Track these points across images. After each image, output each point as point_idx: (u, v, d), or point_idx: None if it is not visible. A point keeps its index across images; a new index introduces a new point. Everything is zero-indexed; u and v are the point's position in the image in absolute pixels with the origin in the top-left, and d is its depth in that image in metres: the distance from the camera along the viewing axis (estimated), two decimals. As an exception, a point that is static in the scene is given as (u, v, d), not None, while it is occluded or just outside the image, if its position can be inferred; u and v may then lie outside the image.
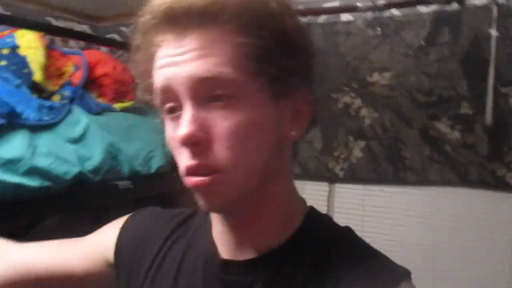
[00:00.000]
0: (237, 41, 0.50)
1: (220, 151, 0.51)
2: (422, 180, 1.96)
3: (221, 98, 0.51)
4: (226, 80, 0.50)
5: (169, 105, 0.54)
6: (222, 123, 0.51)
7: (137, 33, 0.56)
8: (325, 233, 0.61)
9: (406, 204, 2.03)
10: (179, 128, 0.52)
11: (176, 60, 0.51)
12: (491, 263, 1.86)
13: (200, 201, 0.55)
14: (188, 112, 0.51)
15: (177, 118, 0.53)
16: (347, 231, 0.62)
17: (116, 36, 2.64)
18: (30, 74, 1.34)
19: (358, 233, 0.62)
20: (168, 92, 0.53)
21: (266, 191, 0.57)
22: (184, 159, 0.53)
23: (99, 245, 0.73)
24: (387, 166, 2.02)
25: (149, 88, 0.58)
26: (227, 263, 0.60)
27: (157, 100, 0.55)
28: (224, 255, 0.61)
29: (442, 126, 1.90)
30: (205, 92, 0.51)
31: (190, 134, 0.50)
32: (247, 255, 0.59)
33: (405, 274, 0.55)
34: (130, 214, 0.75)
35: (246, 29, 0.51)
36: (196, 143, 0.51)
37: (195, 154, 0.51)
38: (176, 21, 0.51)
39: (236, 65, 0.50)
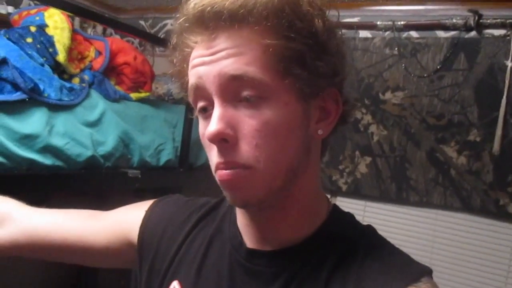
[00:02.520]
0: (265, 42, 0.52)
1: (247, 149, 0.53)
2: (425, 202, 1.98)
3: (248, 97, 0.52)
4: (253, 79, 0.52)
5: (201, 103, 0.56)
6: (249, 121, 0.53)
7: (174, 34, 0.58)
8: (349, 230, 0.62)
9: (405, 224, 2.04)
10: (208, 125, 0.53)
11: (207, 60, 0.53)
12: (485, 291, 1.87)
13: (228, 197, 0.56)
14: (217, 110, 0.53)
15: (208, 116, 0.55)
16: (370, 229, 0.63)
17: (134, 29, 2.67)
18: (54, 54, 1.35)
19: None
20: (200, 91, 0.55)
21: (292, 188, 0.57)
22: (215, 156, 0.54)
23: (122, 223, 0.73)
24: (391, 185, 2.04)
25: (185, 86, 0.60)
26: (252, 252, 0.61)
27: (190, 98, 0.57)
28: (249, 244, 0.62)
29: (449, 151, 1.93)
30: (234, 90, 0.53)
31: (218, 131, 0.52)
32: (272, 246, 0.60)
33: (426, 270, 0.56)
34: (156, 199, 0.75)
35: (274, 30, 0.52)
36: (224, 140, 0.52)
37: (223, 151, 0.53)
38: (207, 24, 0.53)
39: (263, 65, 0.52)
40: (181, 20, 0.56)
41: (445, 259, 1.95)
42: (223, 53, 0.52)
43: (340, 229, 0.61)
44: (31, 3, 1.71)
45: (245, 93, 0.52)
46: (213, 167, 0.55)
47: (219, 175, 0.54)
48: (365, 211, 2.13)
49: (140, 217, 0.72)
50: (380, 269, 0.55)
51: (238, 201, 0.57)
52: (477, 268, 1.89)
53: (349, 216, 0.64)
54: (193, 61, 0.55)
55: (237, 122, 0.53)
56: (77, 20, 2.20)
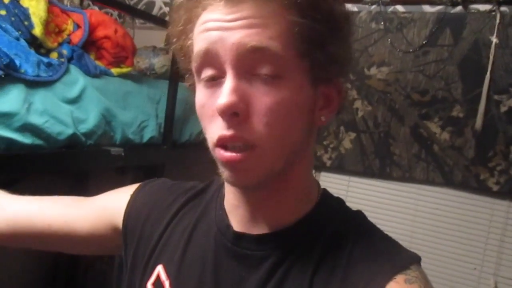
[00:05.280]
0: (291, 18, 0.50)
1: (258, 126, 0.51)
2: (408, 177, 2.01)
3: (266, 72, 0.50)
4: (274, 54, 0.49)
5: (209, 71, 0.52)
6: (263, 98, 0.50)
7: None
8: (338, 214, 0.61)
9: (388, 198, 2.07)
10: (218, 96, 0.50)
11: (226, 26, 0.50)
12: (463, 264, 1.93)
13: (227, 175, 0.54)
14: (230, 81, 0.50)
15: (214, 86, 0.52)
16: (359, 214, 0.63)
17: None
18: (30, 27, 1.28)
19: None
20: (211, 57, 0.51)
21: (289, 171, 0.56)
22: (219, 129, 0.51)
23: (107, 208, 0.72)
24: (375, 160, 2.06)
25: (183, 50, 0.57)
26: (239, 236, 0.60)
27: (195, 63, 0.53)
28: (236, 227, 0.61)
29: (433, 126, 1.94)
30: (251, 63, 0.50)
31: (231, 103, 0.49)
32: (260, 230, 0.59)
33: (415, 258, 0.56)
34: (141, 183, 0.74)
35: (300, 8, 0.50)
36: (235, 114, 0.50)
37: (231, 124, 0.51)
38: None
39: (286, 42, 0.50)
40: None
41: (426, 232, 1.99)
42: (245, 21, 0.49)
43: (330, 214, 0.61)
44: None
45: (263, 68, 0.50)
46: (214, 140, 0.53)
47: (223, 156, 0.52)
48: (349, 186, 2.15)
49: (125, 201, 0.71)
50: (369, 256, 0.55)
51: (238, 181, 0.55)
52: (457, 240, 1.94)
53: (339, 202, 0.64)
54: (205, 24, 0.51)
55: (249, 97, 0.50)
56: (52, -10, 2.10)
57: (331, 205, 0.62)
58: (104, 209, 0.72)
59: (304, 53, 0.51)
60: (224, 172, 0.54)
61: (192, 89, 0.59)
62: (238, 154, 0.51)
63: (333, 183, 2.16)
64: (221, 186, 0.66)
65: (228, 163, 0.52)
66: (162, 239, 0.66)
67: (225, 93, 0.49)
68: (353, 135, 2.09)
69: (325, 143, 2.14)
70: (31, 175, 1.54)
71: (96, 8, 2.37)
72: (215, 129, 0.52)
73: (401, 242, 0.58)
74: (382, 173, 2.05)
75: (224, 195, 0.64)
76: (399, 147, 2.01)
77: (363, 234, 0.59)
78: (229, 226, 0.61)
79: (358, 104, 2.07)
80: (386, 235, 0.60)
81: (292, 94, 0.51)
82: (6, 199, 0.75)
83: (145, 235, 0.67)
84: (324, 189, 0.64)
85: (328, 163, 2.15)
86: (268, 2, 0.49)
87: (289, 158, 0.54)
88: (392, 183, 2.06)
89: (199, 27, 0.52)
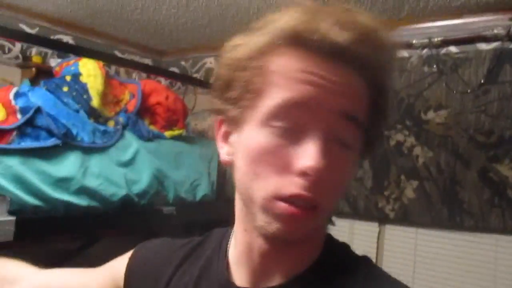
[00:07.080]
0: (372, 95, 0.53)
1: (327, 189, 0.51)
2: (481, 227, 1.82)
3: (346, 142, 0.51)
4: (360, 126, 0.52)
5: (286, 120, 0.50)
6: (337, 164, 0.51)
7: (277, 30, 0.51)
8: (345, 260, 0.58)
9: (462, 251, 1.88)
10: (301, 153, 0.50)
11: (330, 88, 0.49)
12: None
13: (276, 228, 0.51)
14: (320, 144, 0.49)
15: (288, 137, 0.50)
16: (366, 259, 0.59)
17: (176, 70, 2.80)
18: (89, 100, 1.43)
19: (409, 279, 0.60)
20: (300, 110, 0.50)
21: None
22: (293, 186, 0.49)
23: (112, 272, 0.74)
24: (442, 209, 1.90)
25: (247, 82, 0.53)
26: None
27: (274, 108, 0.50)
28: (240, 283, 0.59)
29: (504, 169, 1.78)
30: (339, 128, 0.50)
31: (321, 168, 0.48)
32: (267, 282, 0.57)
33: None
34: (137, 245, 0.75)
35: (376, 89, 0.53)
36: (320, 177, 0.49)
37: (312, 186, 0.49)
38: (339, 56, 0.49)
39: (365, 115, 0.53)
40: (303, 23, 0.49)
41: (510, 289, 1.77)
42: (347, 89, 0.50)
43: (336, 261, 0.57)
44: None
45: (347, 136, 0.51)
46: (279, 194, 0.50)
47: (283, 209, 0.50)
48: (417, 239, 1.99)
49: (124, 265, 0.72)
50: None
51: (288, 235, 0.52)
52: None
53: (345, 247, 0.61)
54: (307, 75, 0.49)
55: (327, 162, 0.50)
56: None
57: (337, 251, 0.60)
58: (111, 273, 0.75)
59: (369, 130, 0.54)
60: (274, 224, 0.51)
61: (217, 113, 0.57)
62: (302, 211, 0.50)
63: (399, 236, 2.02)
64: (222, 239, 0.64)
65: (287, 217, 0.50)
66: None
67: (315, 156, 0.48)
68: (415, 183, 1.97)
69: (386, 193, 2.03)
70: (99, 240, 1.63)
71: (163, 79, 2.58)
72: (285, 184, 0.50)
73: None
74: (452, 224, 1.89)
75: (226, 249, 0.63)
76: (468, 194, 1.85)
77: (371, 277, 0.55)
78: (232, 283, 0.59)
79: (417, 150, 1.97)
80: (395, 279, 0.56)
81: (353, 165, 0.54)
82: (32, 271, 0.81)
83: None
84: (329, 234, 0.61)
85: (391, 214, 2.03)
86: (360, 77, 0.51)
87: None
88: (464, 234, 1.88)
89: (294, 73, 0.50)
